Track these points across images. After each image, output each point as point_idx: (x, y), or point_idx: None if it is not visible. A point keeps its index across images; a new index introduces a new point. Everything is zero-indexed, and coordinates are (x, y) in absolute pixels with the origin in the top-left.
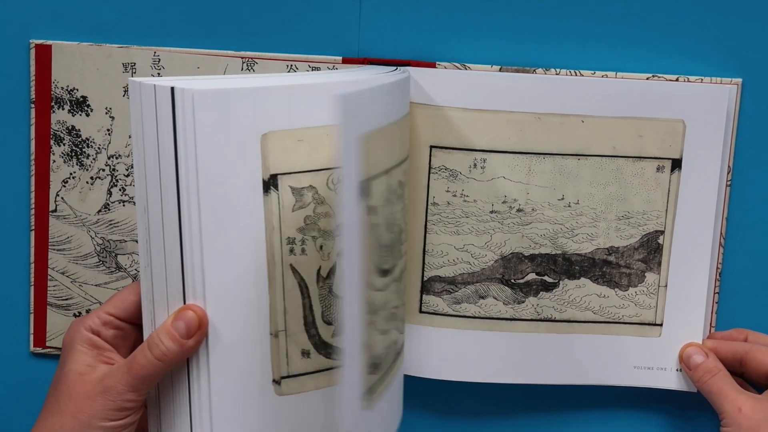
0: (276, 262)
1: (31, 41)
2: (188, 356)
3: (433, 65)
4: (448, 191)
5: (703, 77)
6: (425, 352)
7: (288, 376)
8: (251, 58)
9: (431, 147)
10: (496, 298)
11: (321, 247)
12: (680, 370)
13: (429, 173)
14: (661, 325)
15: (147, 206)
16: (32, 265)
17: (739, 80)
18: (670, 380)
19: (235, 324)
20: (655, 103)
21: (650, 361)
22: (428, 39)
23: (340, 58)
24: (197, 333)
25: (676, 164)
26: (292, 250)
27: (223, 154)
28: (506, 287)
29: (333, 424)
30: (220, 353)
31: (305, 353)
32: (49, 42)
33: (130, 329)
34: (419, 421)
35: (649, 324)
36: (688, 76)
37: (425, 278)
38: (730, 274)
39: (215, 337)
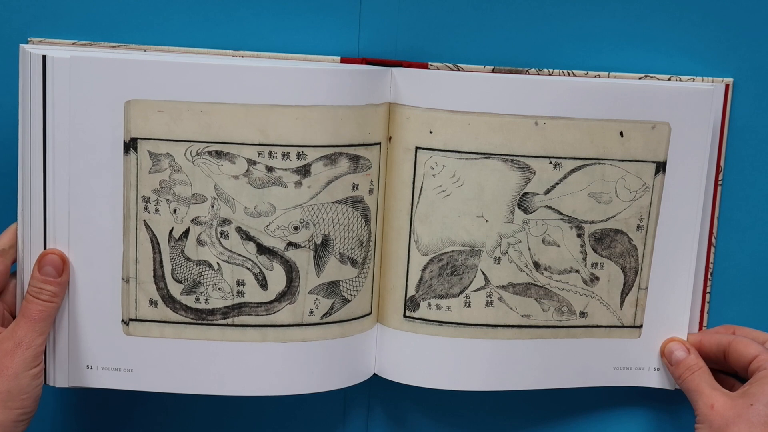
0: (131, 216)
1: (29, 39)
2: (66, 288)
3: (425, 66)
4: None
5: (695, 77)
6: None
7: (135, 320)
8: (243, 57)
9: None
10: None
11: (175, 210)
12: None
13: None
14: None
15: (23, 158)
16: None
17: (731, 80)
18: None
19: (91, 266)
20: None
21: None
22: (428, 39)
23: (339, 58)
24: (65, 269)
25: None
26: (146, 208)
27: (88, 115)
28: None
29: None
30: (76, 292)
31: (153, 302)
32: (47, 40)
33: None
34: (405, 427)
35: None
36: (681, 76)
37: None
38: (721, 274)
39: (73, 278)
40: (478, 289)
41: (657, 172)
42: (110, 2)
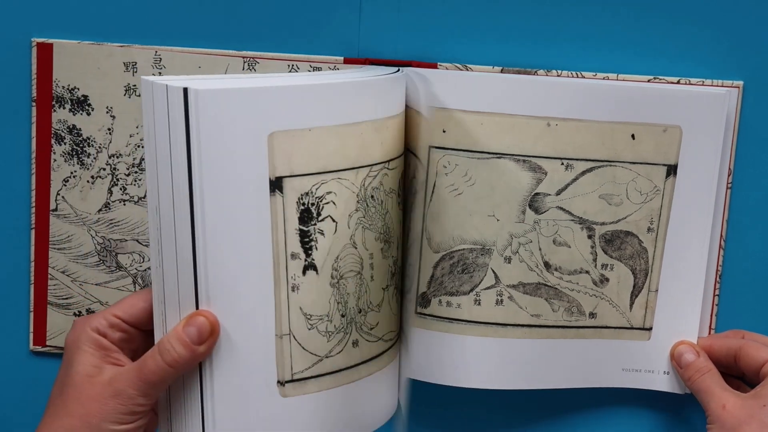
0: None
1: (32, 39)
2: (199, 362)
3: (434, 65)
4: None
5: (704, 80)
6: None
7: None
8: (253, 58)
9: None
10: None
11: None
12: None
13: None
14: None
15: (158, 206)
16: (32, 264)
17: (741, 83)
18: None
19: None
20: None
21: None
22: (429, 39)
23: (342, 58)
24: (209, 339)
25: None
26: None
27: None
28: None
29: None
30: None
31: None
32: (50, 41)
33: (136, 334)
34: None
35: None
36: (690, 79)
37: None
38: (730, 277)
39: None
40: (488, 288)
41: (668, 175)
42: (115, 2)
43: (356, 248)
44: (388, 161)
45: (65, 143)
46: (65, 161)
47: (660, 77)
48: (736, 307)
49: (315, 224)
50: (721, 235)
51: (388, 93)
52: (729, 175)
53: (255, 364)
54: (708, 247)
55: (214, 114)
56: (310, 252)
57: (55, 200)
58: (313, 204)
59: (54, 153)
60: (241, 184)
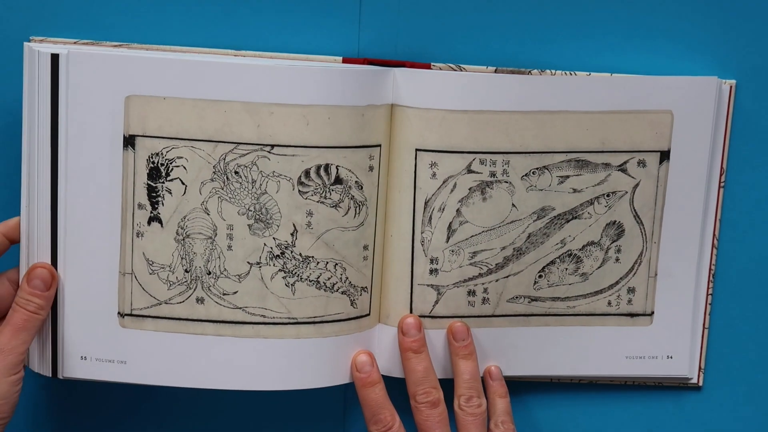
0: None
1: (31, 38)
2: (51, 302)
3: (428, 66)
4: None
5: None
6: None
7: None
8: (248, 57)
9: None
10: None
11: None
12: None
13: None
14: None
15: (29, 155)
16: None
17: (733, 81)
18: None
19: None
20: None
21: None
22: (428, 39)
23: (341, 58)
24: (53, 283)
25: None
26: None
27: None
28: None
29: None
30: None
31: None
32: (49, 39)
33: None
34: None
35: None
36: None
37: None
38: (723, 275)
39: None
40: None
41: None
42: (112, 2)
43: (209, 214)
44: (273, 146)
45: None
46: None
47: (653, 76)
48: (730, 306)
49: (163, 182)
50: (714, 234)
51: (269, 81)
52: (722, 174)
53: (100, 294)
54: (701, 228)
55: (79, 73)
56: (156, 206)
57: None
58: (162, 164)
59: None
60: (99, 137)
